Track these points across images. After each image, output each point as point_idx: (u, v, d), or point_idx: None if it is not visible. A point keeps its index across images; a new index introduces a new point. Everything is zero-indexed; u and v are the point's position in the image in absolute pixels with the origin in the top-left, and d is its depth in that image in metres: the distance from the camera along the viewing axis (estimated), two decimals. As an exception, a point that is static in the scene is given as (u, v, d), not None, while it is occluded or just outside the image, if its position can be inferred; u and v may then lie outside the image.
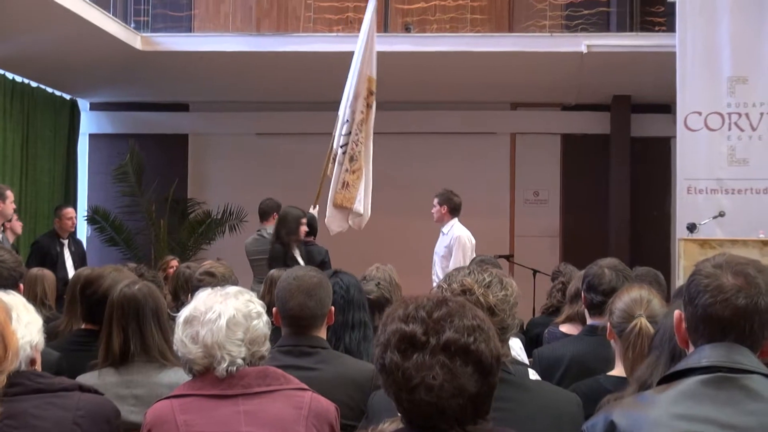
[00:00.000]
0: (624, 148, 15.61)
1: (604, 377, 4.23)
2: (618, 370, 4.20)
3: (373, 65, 11.03)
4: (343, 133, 10.91)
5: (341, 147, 10.87)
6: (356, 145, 10.90)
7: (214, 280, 5.71)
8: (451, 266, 10.13)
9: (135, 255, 15.03)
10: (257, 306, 3.41)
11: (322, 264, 9.75)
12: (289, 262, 9.45)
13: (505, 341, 3.33)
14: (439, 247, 10.76)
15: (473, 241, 10.56)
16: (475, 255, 10.23)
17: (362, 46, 11.06)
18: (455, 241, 10.49)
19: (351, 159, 10.87)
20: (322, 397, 3.45)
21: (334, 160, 10.93)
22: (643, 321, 4.06)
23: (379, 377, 2.39)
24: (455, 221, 10.67)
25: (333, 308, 4.34)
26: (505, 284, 3.32)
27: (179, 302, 6.47)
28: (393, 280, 6.24)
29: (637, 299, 4.21)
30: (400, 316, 2.37)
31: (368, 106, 10.90)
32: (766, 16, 11.91)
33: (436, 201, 10.74)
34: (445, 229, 10.70)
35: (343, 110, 10.99)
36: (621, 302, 4.24)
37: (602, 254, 6.31)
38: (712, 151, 11.96)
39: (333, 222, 10.92)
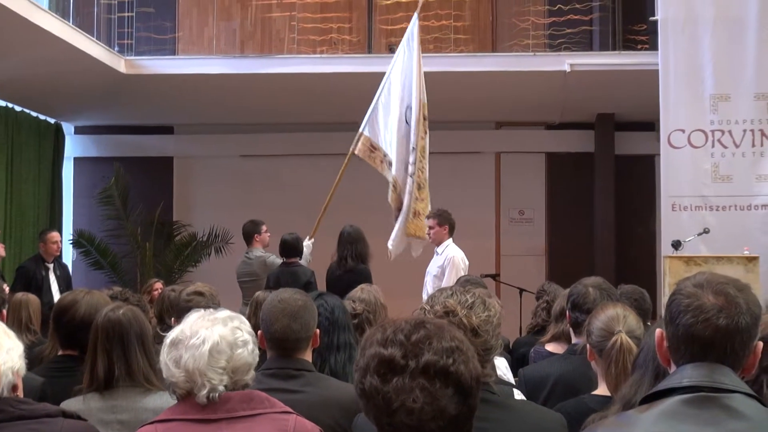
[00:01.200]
0: (608, 166, 15.65)
1: (589, 397, 4.23)
2: (602, 389, 4.21)
3: (423, 89, 10.97)
4: (411, 162, 10.84)
5: (410, 176, 10.80)
6: (422, 173, 10.87)
7: (203, 299, 5.70)
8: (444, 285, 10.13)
9: (121, 278, 15.00)
10: (245, 334, 3.36)
11: (308, 285, 9.75)
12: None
13: (488, 362, 3.32)
14: (432, 267, 10.63)
15: (467, 263, 10.45)
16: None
17: (414, 70, 11.00)
18: (449, 262, 10.37)
19: (419, 187, 10.83)
20: (306, 420, 3.42)
21: (395, 188, 10.87)
22: (624, 336, 4.08)
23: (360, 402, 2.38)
24: (450, 241, 10.58)
25: (318, 331, 4.33)
26: (487, 305, 3.31)
27: (164, 325, 6.45)
28: (378, 301, 6.21)
29: (613, 316, 4.24)
30: (378, 340, 2.35)
31: (425, 132, 10.86)
32: (747, 34, 11.97)
33: (432, 221, 10.62)
34: (439, 249, 10.58)
35: (394, 137, 10.95)
36: (598, 321, 4.26)
37: (588, 272, 6.33)
38: (696, 168, 12.01)
39: (398, 249, 10.90)
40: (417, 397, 2.24)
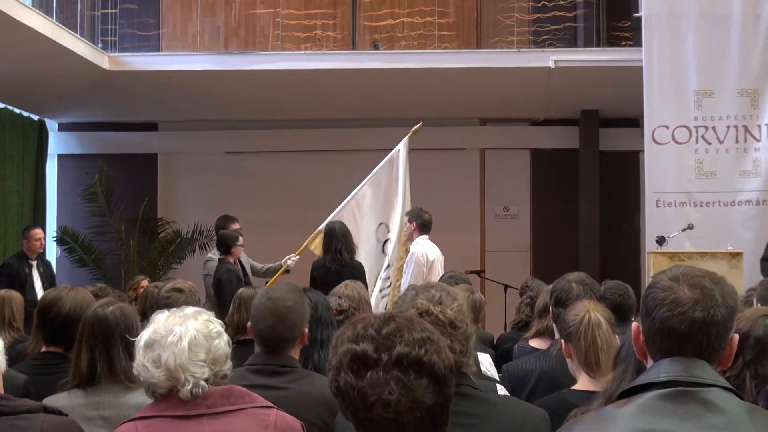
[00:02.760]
0: (593, 162, 15.67)
1: (569, 392, 4.26)
2: (582, 384, 4.23)
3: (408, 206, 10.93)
4: (382, 277, 10.80)
5: (381, 291, 10.73)
6: (397, 291, 10.70)
7: (182, 295, 5.68)
8: (405, 284, 10.17)
9: (104, 275, 14.95)
10: (217, 325, 3.39)
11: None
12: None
13: (470, 350, 3.32)
14: (404, 264, 10.71)
15: (430, 258, 10.39)
16: (442, 271, 10.22)
17: (399, 192, 10.95)
18: (410, 258, 10.46)
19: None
20: (287, 414, 3.43)
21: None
22: (592, 312, 4.14)
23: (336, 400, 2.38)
24: (421, 238, 10.56)
25: (307, 330, 4.33)
26: (453, 295, 3.31)
27: (147, 323, 6.43)
28: (362, 297, 6.22)
29: (582, 306, 4.35)
30: (349, 337, 2.36)
31: (406, 251, 10.80)
32: (731, 30, 12.01)
33: (406, 218, 10.70)
34: (412, 246, 10.63)
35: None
36: (570, 314, 4.36)
37: (573, 268, 6.32)
38: (680, 164, 12.06)
39: None
40: (392, 389, 2.25)
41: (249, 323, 4.20)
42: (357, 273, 9.61)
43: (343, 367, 2.32)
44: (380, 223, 10.83)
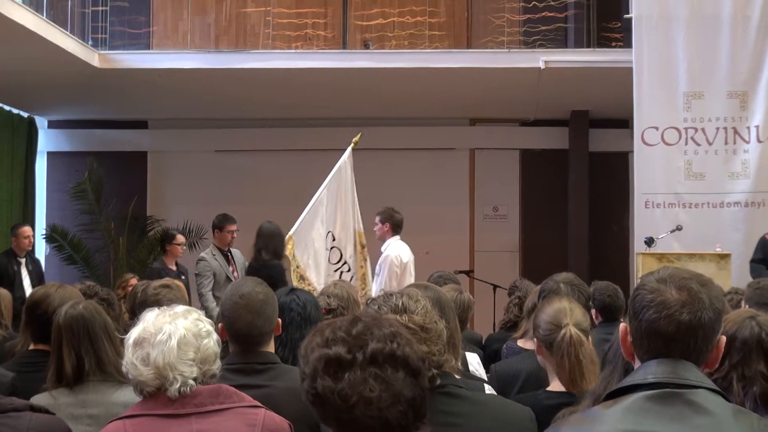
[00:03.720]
0: (582, 163, 15.69)
1: (544, 393, 4.24)
2: (555, 385, 4.22)
3: (359, 218, 10.82)
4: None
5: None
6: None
7: (170, 292, 5.66)
8: (376, 287, 10.20)
9: (93, 273, 14.93)
10: (206, 325, 3.38)
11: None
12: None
13: (456, 347, 3.32)
14: (377, 264, 10.72)
15: (404, 260, 10.41)
16: (413, 274, 10.35)
17: (348, 200, 10.89)
18: (383, 261, 10.47)
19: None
20: (275, 414, 3.43)
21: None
22: (572, 329, 4.10)
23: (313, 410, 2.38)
24: (393, 239, 10.58)
25: (280, 320, 4.32)
26: (414, 297, 3.27)
27: (137, 320, 6.42)
28: (351, 296, 6.21)
29: (560, 309, 4.27)
30: (319, 343, 2.37)
31: (365, 259, 10.76)
32: (721, 32, 12.04)
33: (378, 219, 10.67)
34: (383, 247, 10.64)
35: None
36: (545, 315, 4.29)
37: (562, 268, 6.33)
38: (670, 165, 12.09)
39: None
40: (373, 386, 2.25)
41: (220, 324, 4.10)
42: (273, 274, 9.58)
43: (318, 373, 2.32)
44: (328, 231, 10.77)
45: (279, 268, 10.09)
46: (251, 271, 10.09)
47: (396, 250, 10.43)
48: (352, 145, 10.91)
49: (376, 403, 2.25)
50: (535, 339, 4.35)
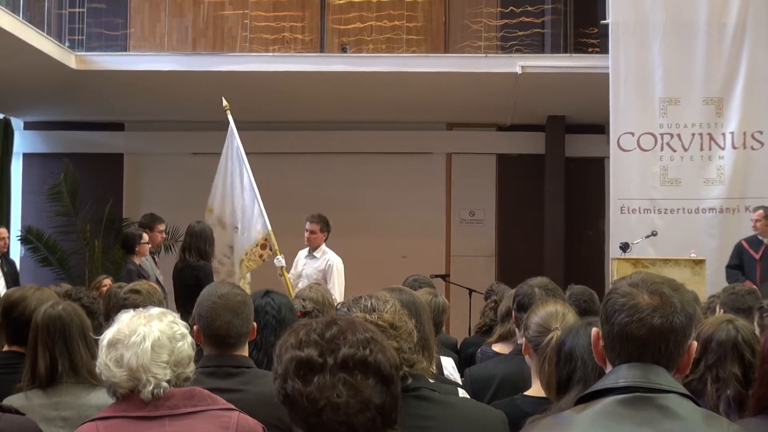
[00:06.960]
0: (559, 168, 15.72)
1: (521, 397, 4.24)
2: (535, 389, 4.21)
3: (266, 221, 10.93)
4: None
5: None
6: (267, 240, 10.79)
7: (139, 297, 5.64)
8: (338, 295, 10.55)
9: (69, 275, 14.86)
10: (181, 327, 3.37)
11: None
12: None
13: (429, 349, 3.32)
14: (310, 270, 11.00)
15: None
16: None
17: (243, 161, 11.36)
18: (332, 267, 10.90)
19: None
20: (249, 416, 3.43)
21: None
22: (559, 334, 4.09)
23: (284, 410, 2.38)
24: (325, 246, 11.10)
25: (255, 324, 4.31)
26: (382, 298, 3.28)
27: (111, 322, 6.38)
28: (326, 299, 6.20)
29: (552, 313, 4.26)
30: (293, 344, 2.37)
31: (261, 257, 10.83)
32: (697, 39, 12.10)
33: (315, 226, 11.02)
34: (317, 254, 11.05)
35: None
36: (536, 316, 4.28)
37: (538, 273, 6.33)
38: (645, 171, 12.14)
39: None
40: (341, 392, 2.26)
41: (196, 327, 4.08)
42: (199, 274, 9.77)
43: (289, 374, 2.32)
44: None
45: (206, 268, 10.14)
46: (177, 272, 10.26)
47: (335, 256, 11.03)
48: (228, 110, 11.13)
49: (344, 408, 2.25)
50: (524, 338, 4.35)
